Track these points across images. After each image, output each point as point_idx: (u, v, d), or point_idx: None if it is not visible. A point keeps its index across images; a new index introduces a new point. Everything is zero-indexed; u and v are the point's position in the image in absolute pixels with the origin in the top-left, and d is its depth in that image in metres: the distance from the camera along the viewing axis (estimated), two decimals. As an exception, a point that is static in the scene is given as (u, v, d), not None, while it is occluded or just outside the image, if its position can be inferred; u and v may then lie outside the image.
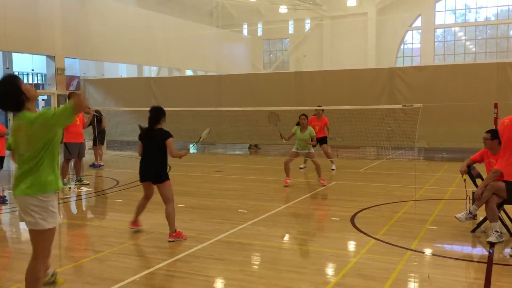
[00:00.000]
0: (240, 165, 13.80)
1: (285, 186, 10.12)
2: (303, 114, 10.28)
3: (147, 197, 6.58)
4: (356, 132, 15.36)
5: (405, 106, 9.60)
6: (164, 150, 6.28)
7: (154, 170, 6.35)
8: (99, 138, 14.10)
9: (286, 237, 6.67)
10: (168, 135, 6.30)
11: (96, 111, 13.92)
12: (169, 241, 6.10)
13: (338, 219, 7.29)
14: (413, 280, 4.87)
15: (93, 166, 13.46)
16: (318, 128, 11.94)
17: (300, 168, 12.70)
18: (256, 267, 5.37)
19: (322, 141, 12.26)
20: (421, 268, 5.19)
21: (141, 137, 6.46)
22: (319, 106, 12.68)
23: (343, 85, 15.83)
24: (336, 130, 15.56)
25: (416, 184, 8.93)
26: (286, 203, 8.82)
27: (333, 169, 12.38)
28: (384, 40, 34.03)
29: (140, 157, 6.49)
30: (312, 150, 10.33)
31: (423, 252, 5.71)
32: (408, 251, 5.69)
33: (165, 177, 6.33)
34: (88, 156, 14.15)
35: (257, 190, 10.15)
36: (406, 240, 6.09)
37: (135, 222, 6.63)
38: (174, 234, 6.16)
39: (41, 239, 3.90)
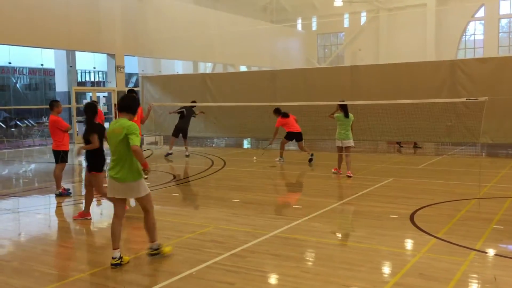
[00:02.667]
0: (293, 160, 13.71)
1: (333, 172, 10.90)
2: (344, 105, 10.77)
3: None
4: (414, 128, 14.89)
5: (469, 99, 9.15)
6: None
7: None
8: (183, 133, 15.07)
9: (342, 234, 6.55)
10: (92, 130, 7.02)
11: (181, 108, 14.75)
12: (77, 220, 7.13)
13: (396, 216, 7.07)
14: (477, 282, 4.63)
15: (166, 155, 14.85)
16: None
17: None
18: (311, 263, 5.30)
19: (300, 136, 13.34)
20: (486, 270, 4.93)
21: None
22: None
23: (401, 79, 15.35)
24: (392, 125, 15.21)
25: (480, 181, 8.51)
26: (342, 199, 8.67)
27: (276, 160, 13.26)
28: (445, 31, 32.70)
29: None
30: (352, 143, 10.84)
31: (489, 253, 5.43)
32: (472, 251, 5.42)
33: (93, 169, 7.10)
34: (147, 152, 14.52)
35: (311, 185, 10.04)
36: (470, 239, 5.81)
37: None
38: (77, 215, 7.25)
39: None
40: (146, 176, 5.24)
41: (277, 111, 13.58)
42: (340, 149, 10.95)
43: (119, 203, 5.24)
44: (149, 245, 5.38)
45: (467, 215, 7.11)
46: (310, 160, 13.03)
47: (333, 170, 11.13)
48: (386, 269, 5.07)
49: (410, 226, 6.53)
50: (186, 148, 15.11)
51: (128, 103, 5.25)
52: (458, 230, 6.26)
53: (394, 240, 6.06)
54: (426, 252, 5.43)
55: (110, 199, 5.52)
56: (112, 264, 5.06)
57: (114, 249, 5.13)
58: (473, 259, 5.21)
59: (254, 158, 14.82)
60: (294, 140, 13.54)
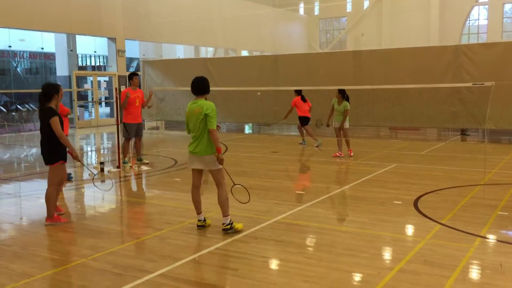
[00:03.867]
0: (296, 146, 13.64)
1: (334, 156, 11.19)
2: (338, 89, 11.35)
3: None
4: (417, 113, 14.78)
5: (475, 84, 9.02)
6: (51, 130, 6.02)
7: (43, 150, 6.21)
8: None
9: (345, 220, 6.50)
10: (51, 113, 6.02)
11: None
12: (46, 225, 6.10)
13: (400, 202, 7.02)
14: (483, 268, 4.58)
15: None
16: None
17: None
18: (315, 249, 5.25)
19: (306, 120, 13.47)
20: (492, 256, 4.88)
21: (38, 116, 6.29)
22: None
23: (405, 64, 15.19)
24: (395, 111, 15.09)
25: (485, 168, 8.44)
26: (345, 185, 8.62)
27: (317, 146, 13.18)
28: (448, 16, 32.37)
29: None
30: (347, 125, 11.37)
31: (494, 240, 5.38)
32: (478, 237, 5.37)
33: (54, 159, 6.11)
34: (147, 136, 14.44)
35: (314, 171, 9.98)
36: (475, 226, 5.76)
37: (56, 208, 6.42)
38: (50, 219, 6.17)
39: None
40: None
41: (298, 92, 13.75)
42: (338, 131, 11.46)
43: (197, 174, 5.80)
44: (223, 220, 5.66)
45: (472, 201, 7.05)
46: (317, 146, 13.21)
47: (333, 155, 11.24)
48: (390, 256, 5.02)
49: (414, 212, 6.48)
50: None
51: (203, 85, 5.71)
52: (462, 217, 6.20)
53: (398, 226, 6.01)
54: (431, 238, 5.37)
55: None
56: (197, 226, 5.82)
57: (198, 213, 5.83)
58: (478, 246, 5.16)
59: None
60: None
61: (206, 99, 5.73)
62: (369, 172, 9.31)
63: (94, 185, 7.87)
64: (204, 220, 5.83)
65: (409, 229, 5.96)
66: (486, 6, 33.01)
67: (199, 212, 5.83)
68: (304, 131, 13.67)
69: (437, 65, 14.68)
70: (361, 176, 9.05)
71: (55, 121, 6.03)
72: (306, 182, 8.78)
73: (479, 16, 33.73)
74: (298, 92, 13.67)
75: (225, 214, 5.64)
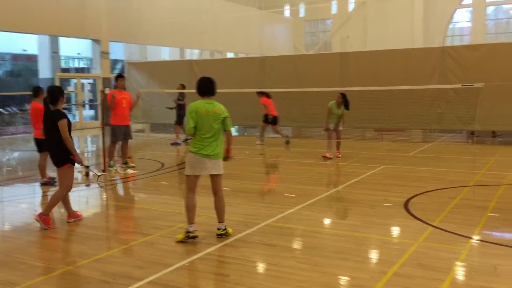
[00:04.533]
0: (283, 148, 13.57)
1: (324, 156, 11.21)
2: (341, 93, 11.21)
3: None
4: (402, 115, 14.84)
5: (465, 85, 9.04)
6: (57, 133, 6.05)
7: (51, 153, 6.25)
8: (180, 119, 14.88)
9: (337, 223, 6.43)
10: (60, 116, 6.09)
11: (181, 96, 14.56)
12: (68, 222, 6.30)
13: (390, 205, 6.97)
14: (478, 271, 4.53)
15: (174, 144, 14.48)
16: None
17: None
18: (307, 253, 5.16)
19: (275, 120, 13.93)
20: (486, 259, 4.84)
21: (43, 119, 6.36)
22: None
23: (391, 65, 15.22)
24: (381, 112, 15.11)
25: (474, 169, 8.46)
26: (334, 187, 8.56)
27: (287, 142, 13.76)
28: (432, 19, 32.65)
29: None
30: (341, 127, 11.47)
31: (487, 241, 5.35)
32: (470, 239, 5.35)
33: (62, 162, 6.12)
34: (133, 139, 14.24)
35: (302, 173, 9.91)
36: (467, 228, 5.73)
37: (72, 215, 6.41)
38: (72, 215, 6.38)
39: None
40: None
41: (261, 92, 14.19)
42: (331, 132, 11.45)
43: (196, 179, 5.48)
44: (218, 225, 5.54)
45: (462, 202, 7.04)
46: (287, 142, 13.59)
47: (323, 155, 11.32)
48: (383, 259, 4.95)
49: (405, 214, 6.44)
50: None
51: (213, 86, 5.57)
52: (453, 218, 6.18)
53: (390, 229, 5.97)
54: (423, 241, 5.33)
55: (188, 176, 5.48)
56: (189, 238, 5.35)
57: (191, 223, 5.36)
58: (471, 248, 5.13)
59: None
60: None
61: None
62: (358, 174, 9.27)
63: (99, 185, 7.81)
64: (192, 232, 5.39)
65: (401, 232, 5.91)
66: (470, 9, 33.39)
67: (192, 221, 5.36)
68: (264, 129, 14.17)
69: (423, 66, 14.75)
70: (350, 178, 9.01)
71: (63, 124, 6.06)
72: (295, 184, 8.70)
73: (463, 18, 34.11)
74: (265, 93, 14.05)
75: (221, 220, 5.55)
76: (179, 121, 14.83)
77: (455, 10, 33.61)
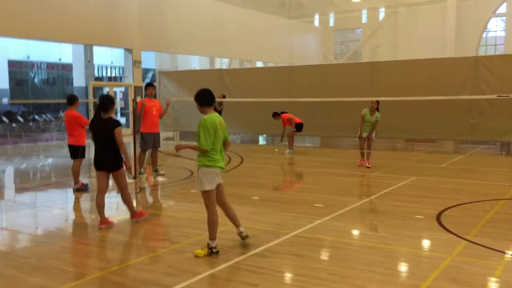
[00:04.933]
0: (312, 158, 13.51)
1: (359, 166, 11.41)
2: (376, 101, 11.38)
3: (102, 190, 6.59)
4: (434, 125, 14.59)
5: (501, 96, 8.82)
6: (113, 139, 6.40)
7: (106, 159, 6.49)
8: None
9: (366, 235, 6.34)
10: (116, 123, 6.50)
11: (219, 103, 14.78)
12: (137, 221, 6.66)
13: (422, 217, 6.84)
14: (514, 288, 4.40)
15: None
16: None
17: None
18: (336, 265, 5.10)
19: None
20: (522, 275, 4.69)
21: (91, 126, 6.62)
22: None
23: (422, 75, 15.00)
24: (412, 122, 14.88)
25: (510, 181, 8.23)
26: (364, 198, 8.46)
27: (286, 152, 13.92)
28: (465, 28, 32.10)
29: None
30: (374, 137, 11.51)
31: (523, 257, 5.18)
32: (505, 254, 5.19)
33: (119, 165, 6.53)
34: (163, 147, 14.43)
35: (331, 183, 9.84)
36: (502, 242, 5.57)
37: (104, 221, 6.50)
38: (136, 215, 6.70)
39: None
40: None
41: (276, 114, 14.53)
42: (363, 141, 11.58)
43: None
44: (239, 230, 5.56)
45: (496, 216, 6.85)
46: (288, 153, 13.88)
47: (358, 164, 11.56)
48: (415, 273, 4.85)
49: (437, 227, 6.30)
50: None
51: (213, 97, 5.47)
52: (488, 232, 6.01)
53: (421, 242, 5.85)
54: (457, 255, 5.20)
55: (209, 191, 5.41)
56: (213, 252, 5.27)
57: (214, 239, 5.32)
58: (506, 263, 4.98)
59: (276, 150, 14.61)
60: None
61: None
62: (388, 185, 9.14)
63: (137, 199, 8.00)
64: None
65: (433, 245, 5.78)
66: (504, 18, 32.70)
67: (215, 236, 5.31)
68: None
69: (455, 76, 14.48)
70: (380, 189, 8.89)
71: (119, 131, 6.43)
72: (324, 194, 8.64)
73: (497, 27, 33.42)
74: (276, 114, 14.48)
75: (240, 223, 5.61)
76: None
77: (489, 19, 32.97)
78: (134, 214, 6.74)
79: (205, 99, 5.38)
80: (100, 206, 6.54)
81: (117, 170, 6.51)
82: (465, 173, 10.64)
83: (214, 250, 5.27)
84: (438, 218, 6.70)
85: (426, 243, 5.85)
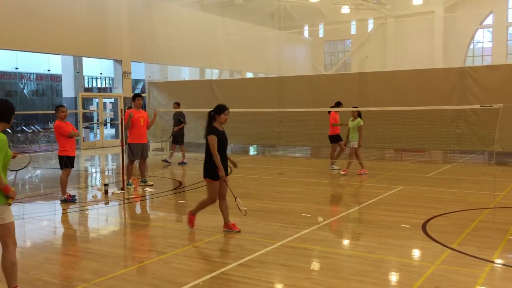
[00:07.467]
0: (301, 168, 13.55)
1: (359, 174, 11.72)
2: (354, 107, 11.97)
3: (220, 195, 6.62)
4: (421, 135, 14.71)
5: (484, 106, 8.95)
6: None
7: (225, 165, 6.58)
8: (180, 139, 15.01)
9: (353, 244, 6.37)
10: (209, 131, 6.59)
11: (181, 115, 14.76)
12: (236, 232, 6.55)
13: (408, 226, 6.88)
14: (496, 296, 4.44)
15: (180, 163, 14.51)
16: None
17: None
18: (322, 275, 5.11)
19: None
20: (506, 283, 4.73)
21: (217, 133, 6.49)
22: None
23: (410, 86, 15.17)
24: (400, 132, 15.01)
25: (494, 190, 8.31)
26: (351, 208, 8.49)
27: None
28: (453, 39, 32.51)
29: (206, 154, 6.55)
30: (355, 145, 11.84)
31: (507, 265, 5.24)
32: (489, 263, 5.24)
33: (205, 174, 6.59)
34: (152, 157, 14.42)
35: (319, 193, 9.88)
36: (486, 251, 5.62)
37: (228, 225, 6.61)
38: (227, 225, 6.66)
39: None
40: None
41: (339, 104, 13.02)
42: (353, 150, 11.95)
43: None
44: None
45: (481, 225, 6.91)
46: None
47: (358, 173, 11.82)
48: (400, 281, 4.88)
49: (423, 236, 6.35)
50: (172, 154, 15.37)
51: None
52: (472, 241, 6.07)
53: (407, 251, 5.88)
54: (441, 263, 5.24)
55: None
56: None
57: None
58: (491, 272, 5.03)
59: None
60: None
61: None
62: (376, 195, 9.19)
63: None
64: None
65: (418, 254, 5.82)
66: (490, 29, 33.18)
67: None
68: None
69: (443, 87, 14.65)
70: (367, 198, 8.93)
71: (213, 139, 6.38)
72: (312, 204, 8.67)
73: (484, 38, 33.88)
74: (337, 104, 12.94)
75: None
76: (182, 140, 14.94)
77: (476, 30, 33.43)
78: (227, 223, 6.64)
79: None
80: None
81: (204, 178, 6.55)
82: (452, 183, 10.73)
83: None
84: (424, 227, 6.75)
85: (411, 252, 5.89)
